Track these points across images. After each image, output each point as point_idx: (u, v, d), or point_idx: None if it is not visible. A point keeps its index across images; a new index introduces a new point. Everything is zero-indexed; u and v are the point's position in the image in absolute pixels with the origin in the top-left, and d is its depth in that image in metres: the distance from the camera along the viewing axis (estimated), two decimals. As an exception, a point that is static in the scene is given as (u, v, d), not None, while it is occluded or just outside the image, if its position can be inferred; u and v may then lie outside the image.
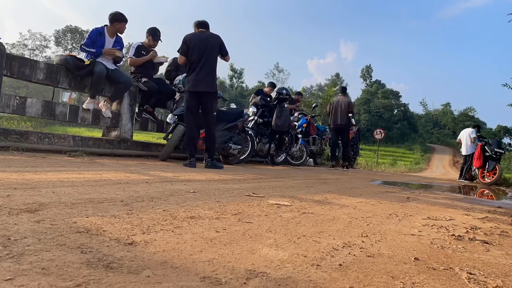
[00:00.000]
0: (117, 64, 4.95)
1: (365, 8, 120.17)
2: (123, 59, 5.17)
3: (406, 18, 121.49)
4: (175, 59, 5.94)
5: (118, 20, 4.73)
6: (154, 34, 5.42)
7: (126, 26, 4.85)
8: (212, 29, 4.63)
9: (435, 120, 54.22)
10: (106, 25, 4.76)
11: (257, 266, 1.00)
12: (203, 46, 4.41)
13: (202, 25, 4.54)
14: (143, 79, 5.26)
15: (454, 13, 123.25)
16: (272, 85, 8.13)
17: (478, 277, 1.12)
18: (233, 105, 6.66)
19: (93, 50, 4.57)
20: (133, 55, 5.33)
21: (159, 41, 5.50)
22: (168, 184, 2.51)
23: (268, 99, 7.16)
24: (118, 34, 4.86)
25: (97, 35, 4.67)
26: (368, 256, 1.23)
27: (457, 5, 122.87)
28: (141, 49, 5.37)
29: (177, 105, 5.06)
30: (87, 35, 4.79)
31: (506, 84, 7.86)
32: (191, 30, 4.62)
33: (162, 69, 6.32)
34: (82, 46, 4.66)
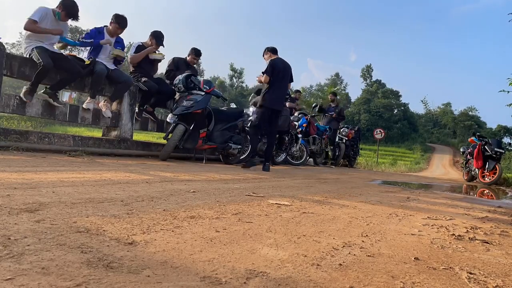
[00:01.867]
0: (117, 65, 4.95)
1: (366, 8, 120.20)
2: (124, 59, 5.16)
3: (408, 19, 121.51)
4: (174, 59, 5.95)
5: (119, 23, 4.72)
6: (158, 38, 5.41)
7: (124, 31, 4.85)
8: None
9: (435, 120, 54.13)
10: (106, 26, 4.77)
11: (257, 266, 1.00)
12: (285, 72, 5.26)
13: (276, 51, 5.35)
14: (143, 79, 5.25)
15: (456, 14, 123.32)
16: None
17: (478, 277, 1.12)
18: (233, 105, 6.65)
19: (90, 40, 4.57)
20: (133, 53, 5.32)
21: (162, 46, 5.50)
22: (168, 184, 2.51)
23: None
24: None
25: (96, 33, 4.68)
26: (368, 255, 1.24)
27: (461, 6, 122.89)
28: (141, 49, 5.36)
29: (177, 104, 5.05)
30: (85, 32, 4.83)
31: (503, 90, 7.85)
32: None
33: (162, 69, 6.31)
34: (80, 39, 4.67)
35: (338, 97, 10.01)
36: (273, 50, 5.38)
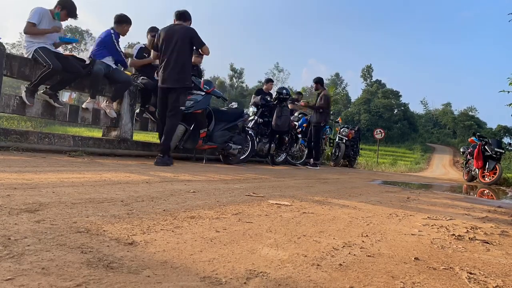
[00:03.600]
0: (117, 64, 4.94)
1: (367, 9, 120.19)
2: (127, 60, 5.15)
3: (408, 20, 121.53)
4: None
5: (125, 22, 4.71)
6: (152, 30, 5.43)
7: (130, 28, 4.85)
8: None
9: (435, 120, 54.16)
10: (113, 28, 4.75)
11: (257, 266, 1.00)
12: (171, 40, 4.24)
13: (179, 16, 4.36)
14: (141, 77, 5.27)
15: (457, 16, 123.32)
16: (269, 80, 7.98)
17: (478, 277, 1.12)
18: (235, 105, 6.64)
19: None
20: (134, 57, 5.33)
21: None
22: (168, 184, 2.51)
23: (268, 98, 7.15)
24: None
25: (108, 36, 4.65)
26: (368, 256, 1.23)
27: (462, 12, 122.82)
28: (143, 51, 5.36)
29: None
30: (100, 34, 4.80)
31: (504, 90, 7.84)
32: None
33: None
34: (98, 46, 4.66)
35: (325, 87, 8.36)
36: (176, 16, 4.41)
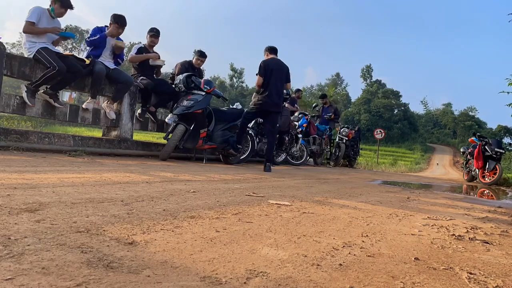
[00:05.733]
0: (118, 64, 4.95)
1: (366, 8, 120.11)
2: (124, 58, 5.17)
3: (408, 20, 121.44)
4: (183, 63, 6.01)
5: (118, 23, 4.72)
6: (150, 31, 5.48)
7: (124, 30, 4.86)
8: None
9: (436, 120, 54.17)
10: (107, 26, 4.77)
11: (257, 266, 1.00)
12: (278, 71, 5.17)
13: (275, 51, 5.34)
14: (141, 77, 5.28)
15: (456, 13, 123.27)
16: None
17: (478, 277, 1.12)
18: (238, 105, 6.63)
19: (97, 36, 4.60)
20: (133, 54, 5.36)
21: (158, 37, 5.54)
22: (168, 184, 2.51)
23: None
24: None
25: (99, 32, 4.70)
26: (368, 256, 1.23)
27: (463, 9, 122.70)
28: (142, 51, 5.39)
29: (177, 104, 5.05)
30: (90, 31, 4.88)
31: (504, 91, 7.83)
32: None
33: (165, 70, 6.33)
34: (87, 39, 4.74)
35: (327, 98, 11.00)
36: (270, 50, 5.32)
